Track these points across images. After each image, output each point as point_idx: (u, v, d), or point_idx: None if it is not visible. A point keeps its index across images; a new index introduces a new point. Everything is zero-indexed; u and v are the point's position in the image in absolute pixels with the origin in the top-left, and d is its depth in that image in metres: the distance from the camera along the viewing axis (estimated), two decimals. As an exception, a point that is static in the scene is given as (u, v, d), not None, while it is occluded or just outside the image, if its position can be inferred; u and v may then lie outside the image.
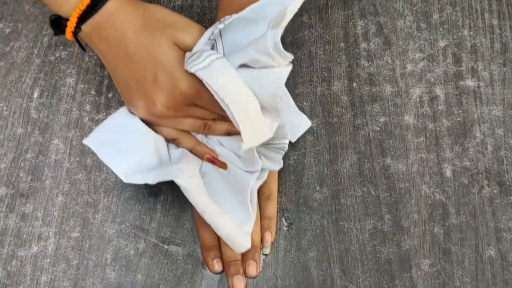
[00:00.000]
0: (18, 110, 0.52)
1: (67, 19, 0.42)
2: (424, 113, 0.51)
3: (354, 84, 0.52)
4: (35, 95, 0.52)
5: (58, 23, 0.43)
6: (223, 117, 0.44)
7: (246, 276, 0.45)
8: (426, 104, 0.51)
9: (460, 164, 0.49)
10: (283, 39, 0.51)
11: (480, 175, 0.48)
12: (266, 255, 0.46)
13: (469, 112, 0.51)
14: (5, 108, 0.52)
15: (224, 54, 0.42)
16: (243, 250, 0.44)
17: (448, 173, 0.48)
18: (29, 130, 0.51)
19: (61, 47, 0.54)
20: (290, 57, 0.39)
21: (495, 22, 0.55)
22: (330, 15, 0.55)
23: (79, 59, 0.54)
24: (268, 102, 0.40)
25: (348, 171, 0.49)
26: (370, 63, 0.53)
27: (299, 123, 0.50)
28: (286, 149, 0.46)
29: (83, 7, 0.41)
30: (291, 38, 0.54)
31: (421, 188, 0.48)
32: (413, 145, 0.50)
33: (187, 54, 0.41)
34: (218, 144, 0.47)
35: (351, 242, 0.46)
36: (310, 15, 0.56)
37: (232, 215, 0.44)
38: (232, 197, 0.45)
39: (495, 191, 0.48)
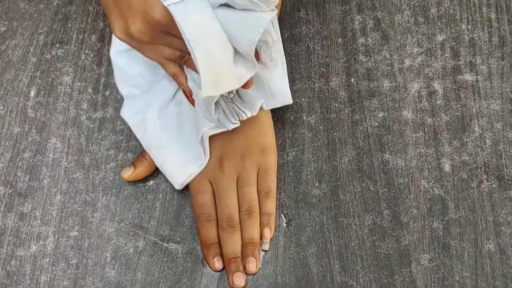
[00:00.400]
0: (15, 109, 0.52)
1: None
2: (423, 108, 0.51)
3: (352, 80, 0.52)
4: (32, 93, 0.52)
5: None
6: None
7: (246, 273, 0.45)
8: (425, 99, 0.51)
9: (459, 158, 0.49)
10: (280, 35, 0.51)
11: (479, 170, 0.48)
12: (265, 251, 0.46)
13: (467, 107, 0.51)
14: (1, 107, 0.52)
15: None
16: (178, 187, 0.47)
17: (447, 168, 0.48)
18: (26, 129, 0.51)
19: (57, 45, 0.54)
20: (275, 1, 0.37)
21: (493, 15, 0.54)
22: (328, 10, 0.55)
23: (75, 57, 0.54)
24: (243, 49, 0.39)
25: (347, 167, 0.49)
26: (368, 58, 0.53)
27: (278, 95, 0.48)
28: (246, 115, 0.45)
29: None
30: (289, 34, 0.54)
31: (420, 183, 0.48)
32: (411, 140, 0.50)
33: None
34: (191, 79, 0.45)
35: (351, 238, 0.46)
36: (308, 10, 0.55)
37: (182, 152, 0.46)
38: (187, 134, 0.47)
39: (494, 185, 0.48)
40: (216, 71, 0.38)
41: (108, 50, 0.53)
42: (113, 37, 0.49)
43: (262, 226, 0.46)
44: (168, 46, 0.42)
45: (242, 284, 0.44)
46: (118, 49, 0.48)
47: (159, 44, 0.42)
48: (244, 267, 0.45)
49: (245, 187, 0.46)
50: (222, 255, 0.46)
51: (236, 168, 0.47)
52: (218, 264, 0.45)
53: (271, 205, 0.47)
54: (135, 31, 0.40)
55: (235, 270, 0.45)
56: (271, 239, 0.46)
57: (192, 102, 0.45)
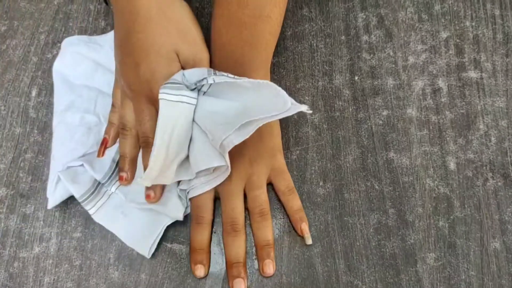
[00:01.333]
0: (16, 109, 0.51)
1: None
2: (427, 105, 0.50)
3: (356, 78, 0.52)
4: (33, 93, 0.52)
5: None
6: None
7: (263, 275, 0.45)
8: (429, 97, 0.51)
9: (464, 156, 0.48)
10: (282, 33, 0.50)
11: (484, 168, 0.48)
12: (309, 245, 0.46)
13: (472, 104, 0.50)
14: (2, 107, 0.51)
15: (203, 93, 0.44)
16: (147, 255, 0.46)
17: (452, 166, 0.48)
18: (28, 129, 0.50)
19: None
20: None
21: (497, 12, 0.54)
22: (331, 8, 0.55)
23: (77, 57, 0.53)
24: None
25: (351, 166, 0.49)
26: (371, 56, 0.52)
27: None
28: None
29: None
30: (292, 32, 0.54)
31: (425, 182, 0.48)
32: (416, 138, 0.49)
33: (173, 77, 0.42)
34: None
35: (356, 237, 0.46)
36: (310, 8, 0.55)
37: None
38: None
39: (499, 183, 0.47)
40: (161, 167, 0.41)
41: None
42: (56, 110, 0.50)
43: (297, 223, 0.46)
44: (149, 117, 0.44)
45: None
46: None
47: (140, 110, 0.44)
48: (262, 269, 0.45)
49: (255, 190, 0.46)
50: (207, 263, 0.45)
51: (244, 173, 0.46)
52: (199, 272, 0.45)
53: (297, 201, 0.47)
54: (130, 88, 0.44)
55: (236, 276, 0.44)
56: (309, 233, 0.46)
57: (101, 152, 0.47)
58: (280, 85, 0.51)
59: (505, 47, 0.52)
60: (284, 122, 0.50)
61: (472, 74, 0.52)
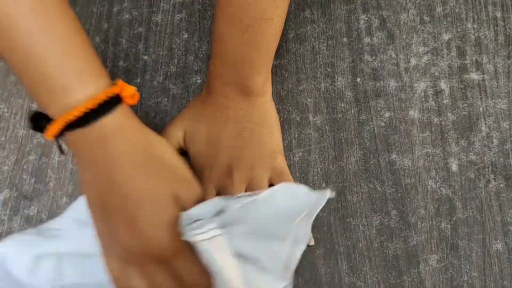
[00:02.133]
0: (20, 111, 0.51)
1: (48, 122, 0.37)
2: (429, 107, 0.51)
3: (358, 79, 0.52)
4: (36, 96, 0.52)
5: (37, 120, 0.37)
6: None
7: None
8: (431, 98, 0.51)
9: (466, 158, 0.49)
10: (284, 35, 0.51)
11: (486, 169, 0.48)
12: (312, 246, 0.46)
13: (474, 106, 0.51)
14: (6, 109, 0.52)
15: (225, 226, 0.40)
16: None
17: (454, 167, 0.48)
18: (31, 131, 0.51)
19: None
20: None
21: (498, 14, 0.54)
22: (333, 10, 0.55)
23: (79, 59, 0.53)
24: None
25: (353, 168, 0.49)
26: (373, 57, 0.53)
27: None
28: None
29: (71, 117, 0.35)
30: (294, 34, 0.54)
31: (427, 183, 0.48)
32: (418, 140, 0.49)
33: (185, 218, 0.38)
34: None
35: (358, 238, 0.46)
36: (313, 10, 0.55)
37: None
38: None
39: (501, 185, 0.48)
40: None
41: (112, 52, 0.53)
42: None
43: None
44: (163, 278, 0.39)
45: None
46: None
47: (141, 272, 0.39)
48: None
49: None
50: None
51: (246, 176, 0.46)
52: None
53: None
54: (128, 248, 0.37)
55: None
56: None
57: None
58: (282, 87, 0.52)
59: (506, 49, 0.53)
60: (286, 124, 0.50)
61: (474, 76, 0.52)
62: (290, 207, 0.40)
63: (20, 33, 0.35)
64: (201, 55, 0.54)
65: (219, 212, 0.40)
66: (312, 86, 0.52)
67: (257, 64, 0.46)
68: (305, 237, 0.42)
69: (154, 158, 0.39)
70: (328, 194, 0.40)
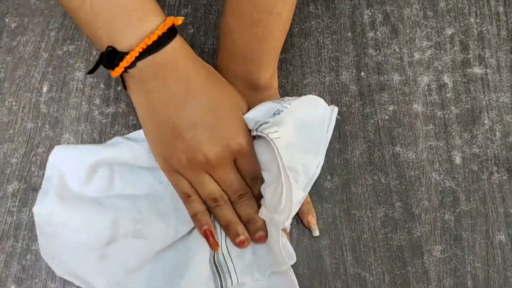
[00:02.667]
0: (28, 105, 0.52)
1: (125, 53, 0.38)
2: (433, 101, 0.51)
3: (362, 74, 0.52)
4: (44, 89, 0.52)
5: (111, 56, 0.39)
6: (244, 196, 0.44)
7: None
8: (435, 92, 0.51)
9: (469, 151, 0.49)
10: (289, 29, 0.51)
11: (489, 162, 0.49)
12: (317, 237, 0.47)
13: (477, 99, 0.51)
14: (14, 103, 0.52)
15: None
16: None
17: (458, 160, 0.49)
18: (39, 124, 0.51)
19: (68, 41, 0.54)
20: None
21: (501, 9, 0.55)
22: (337, 4, 0.56)
23: (87, 53, 0.54)
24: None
25: (358, 160, 0.49)
26: (377, 52, 0.53)
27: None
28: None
29: (149, 42, 0.38)
30: (298, 28, 0.55)
31: (431, 176, 0.48)
32: (422, 133, 0.50)
33: (250, 118, 0.43)
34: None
35: (363, 230, 0.47)
36: (317, 5, 0.56)
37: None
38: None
39: (504, 177, 0.48)
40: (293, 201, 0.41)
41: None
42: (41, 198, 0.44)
43: (304, 215, 0.47)
44: (218, 178, 0.43)
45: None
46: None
47: (214, 174, 0.43)
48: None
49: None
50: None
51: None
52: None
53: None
54: (210, 153, 0.41)
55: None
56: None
57: (214, 244, 0.44)
58: (287, 81, 0.52)
59: (509, 44, 0.53)
60: (292, 117, 0.51)
61: (477, 70, 0.52)
62: (317, 117, 0.45)
63: None
64: (207, 50, 0.54)
65: (275, 114, 0.43)
66: (317, 80, 0.52)
67: (265, 59, 0.47)
68: (323, 153, 0.45)
69: (214, 73, 0.43)
70: (336, 108, 0.45)
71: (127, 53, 0.38)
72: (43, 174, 0.49)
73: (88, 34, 0.40)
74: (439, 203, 0.47)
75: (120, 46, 0.39)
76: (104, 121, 0.51)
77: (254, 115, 0.43)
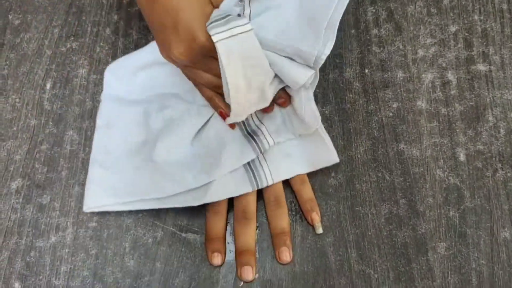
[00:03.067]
0: (31, 101, 0.52)
1: None
2: (437, 98, 0.51)
3: (366, 71, 0.52)
4: (48, 86, 0.52)
5: None
6: None
7: (280, 262, 0.45)
8: (439, 89, 0.51)
9: (474, 148, 0.49)
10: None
11: (494, 159, 0.49)
12: (321, 234, 0.47)
13: (481, 96, 0.51)
14: (17, 100, 0.52)
15: (250, 19, 0.41)
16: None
17: (462, 157, 0.49)
18: (43, 121, 0.51)
19: (72, 38, 0.54)
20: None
21: (505, 6, 0.55)
22: (341, 1, 0.55)
23: (90, 50, 0.54)
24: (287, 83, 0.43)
25: (362, 157, 0.49)
26: (381, 49, 0.53)
27: (323, 155, 0.48)
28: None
29: None
30: (302, 26, 0.54)
31: (436, 173, 0.48)
32: (426, 130, 0.50)
33: (214, 12, 0.40)
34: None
35: (367, 227, 0.47)
36: (321, 2, 0.55)
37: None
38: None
39: (508, 174, 0.48)
40: (243, 108, 0.42)
41: (123, 43, 0.54)
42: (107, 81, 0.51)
43: (308, 213, 0.47)
44: (206, 72, 0.43)
45: (250, 277, 0.45)
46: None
47: (199, 69, 0.43)
48: (278, 257, 0.45)
49: None
50: (223, 252, 0.46)
51: None
52: (216, 260, 0.45)
53: (309, 191, 0.47)
54: (178, 55, 0.41)
55: (245, 263, 0.45)
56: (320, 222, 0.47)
57: (231, 124, 0.47)
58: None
59: (513, 41, 0.53)
60: (296, 114, 0.51)
61: (481, 67, 0.52)
62: None
63: None
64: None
65: (241, 6, 0.40)
66: (321, 76, 0.52)
67: None
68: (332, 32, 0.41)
69: None
70: None
71: None
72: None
73: None
74: (444, 200, 0.47)
75: None
76: (107, 118, 0.51)
77: (223, 7, 0.40)
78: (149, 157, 0.47)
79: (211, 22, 0.38)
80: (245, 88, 0.40)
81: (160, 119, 0.49)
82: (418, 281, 0.45)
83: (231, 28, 0.38)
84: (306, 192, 0.47)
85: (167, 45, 0.41)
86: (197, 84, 0.46)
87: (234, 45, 0.38)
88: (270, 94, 0.43)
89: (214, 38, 0.38)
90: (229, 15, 0.39)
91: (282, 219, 0.46)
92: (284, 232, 0.46)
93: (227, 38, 0.38)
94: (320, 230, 0.47)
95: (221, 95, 0.45)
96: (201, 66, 0.43)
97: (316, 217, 0.47)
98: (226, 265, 0.46)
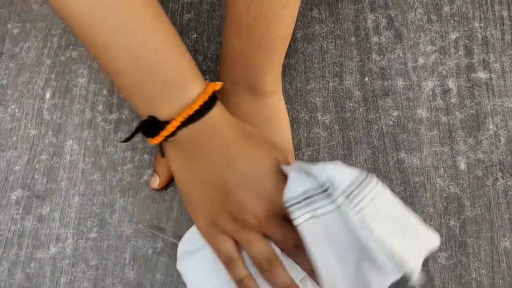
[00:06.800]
0: (31, 111, 0.52)
1: (165, 122, 0.38)
2: (437, 106, 0.51)
3: (366, 79, 0.52)
4: (47, 96, 0.52)
5: (152, 125, 0.39)
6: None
7: None
8: (439, 97, 0.51)
9: (474, 156, 0.49)
10: (292, 34, 0.51)
11: (494, 167, 0.49)
12: None
13: (481, 105, 0.51)
14: (17, 109, 0.52)
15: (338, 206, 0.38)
16: None
17: (462, 166, 0.49)
18: (42, 131, 0.51)
19: (71, 47, 0.54)
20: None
21: (505, 13, 0.55)
22: (340, 9, 0.55)
23: (90, 59, 0.54)
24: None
25: (362, 166, 0.49)
26: (381, 57, 0.53)
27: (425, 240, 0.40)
28: None
29: (191, 111, 0.38)
30: (302, 33, 0.54)
31: (436, 182, 0.48)
32: (426, 138, 0.50)
33: (290, 191, 0.39)
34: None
35: (368, 236, 0.47)
36: (320, 9, 0.55)
37: None
38: None
39: (509, 183, 0.48)
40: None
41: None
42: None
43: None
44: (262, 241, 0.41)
45: None
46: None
47: (257, 234, 0.41)
48: None
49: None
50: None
51: None
52: None
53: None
54: (259, 212, 0.40)
55: None
56: None
57: None
58: (291, 87, 0.52)
59: (513, 48, 0.53)
60: (295, 124, 0.51)
61: (481, 75, 0.52)
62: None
63: (137, 23, 0.37)
64: (210, 55, 0.54)
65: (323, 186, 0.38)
66: (321, 85, 0.52)
67: (264, 65, 0.46)
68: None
69: (250, 133, 0.43)
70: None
71: (168, 122, 0.38)
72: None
73: (126, 96, 0.40)
74: (444, 209, 0.47)
75: (161, 115, 0.38)
76: (107, 127, 0.51)
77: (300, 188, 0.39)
78: None
79: (292, 204, 0.38)
80: (332, 274, 0.38)
81: None
82: (418, 292, 0.45)
83: (312, 210, 0.38)
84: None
85: (245, 205, 0.40)
86: (234, 260, 0.42)
87: (317, 226, 0.37)
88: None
89: (295, 222, 0.38)
90: (310, 196, 0.38)
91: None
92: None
93: (309, 220, 0.38)
94: None
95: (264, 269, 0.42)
96: (273, 227, 0.41)
97: None
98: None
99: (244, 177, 0.40)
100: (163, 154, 0.43)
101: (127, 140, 0.41)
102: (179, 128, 0.39)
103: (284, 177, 0.41)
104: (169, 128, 0.38)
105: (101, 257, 0.47)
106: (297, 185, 0.39)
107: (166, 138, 0.39)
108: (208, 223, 0.42)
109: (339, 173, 0.38)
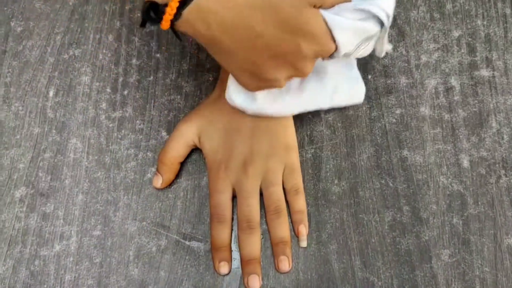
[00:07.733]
0: (34, 109, 0.52)
1: (165, 5, 0.36)
2: (440, 104, 0.51)
3: (369, 76, 0.52)
4: (51, 94, 0.52)
5: (154, 9, 0.36)
6: None
7: (279, 271, 0.46)
8: (442, 95, 0.51)
9: (477, 154, 0.49)
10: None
11: (497, 165, 0.49)
12: (304, 247, 0.47)
13: (484, 102, 0.51)
14: (20, 107, 0.52)
15: None
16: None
17: (466, 163, 0.49)
18: (46, 129, 0.51)
19: (74, 45, 0.54)
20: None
21: (508, 11, 0.55)
22: (343, 7, 0.55)
23: (93, 57, 0.54)
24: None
25: (365, 164, 0.49)
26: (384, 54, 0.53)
27: (354, 92, 0.50)
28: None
29: None
30: (305, 31, 0.54)
31: (439, 179, 0.48)
32: (429, 136, 0.50)
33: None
34: None
35: (371, 234, 0.47)
36: (323, 7, 0.55)
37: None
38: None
39: (512, 180, 0.48)
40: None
41: (125, 50, 0.54)
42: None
43: (296, 224, 0.47)
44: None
45: (257, 286, 0.45)
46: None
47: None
48: (277, 266, 0.46)
49: (271, 187, 0.47)
50: (230, 260, 0.46)
51: (260, 170, 0.47)
52: (223, 269, 0.46)
53: (301, 202, 0.47)
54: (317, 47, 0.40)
55: (251, 272, 0.45)
56: (307, 235, 0.47)
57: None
58: (294, 84, 0.52)
59: (516, 46, 0.53)
60: (298, 121, 0.51)
61: (484, 72, 0.52)
62: None
63: None
64: (213, 53, 0.54)
65: None
66: (324, 83, 0.52)
67: None
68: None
69: None
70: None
71: (167, 5, 0.36)
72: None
73: None
74: (447, 207, 0.47)
75: None
76: (111, 125, 0.51)
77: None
78: None
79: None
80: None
81: None
82: (422, 289, 0.45)
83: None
84: (298, 203, 0.47)
85: (294, 48, 0.39)
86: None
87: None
88: None
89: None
90: None
91: (282, 228, 0.46)
92: (284, 241, 0.46)
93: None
94: (304, 244, 0.47)
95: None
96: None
97: (302, 230, 0.47)
98: (231, 273, 0.46)
99: (281, 42, 0.38)
100: (179, 38, 0.39)
101: (142, 25, 0.38)
102: (180, 8, 0.36)
103: None
104: (169, 11, 0.36)
105: (105, 255, 0.47)
106: None
107: (174, 22, 0.37)
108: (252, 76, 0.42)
109: None
